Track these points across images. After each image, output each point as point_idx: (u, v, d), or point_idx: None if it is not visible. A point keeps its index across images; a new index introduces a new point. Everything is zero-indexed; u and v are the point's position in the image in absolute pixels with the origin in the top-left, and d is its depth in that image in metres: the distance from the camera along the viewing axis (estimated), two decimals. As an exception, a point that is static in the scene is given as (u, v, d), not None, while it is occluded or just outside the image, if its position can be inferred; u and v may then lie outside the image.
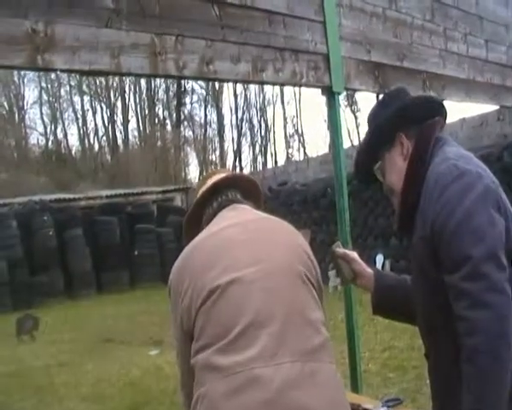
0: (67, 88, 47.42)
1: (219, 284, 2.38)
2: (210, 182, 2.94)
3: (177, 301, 2.48)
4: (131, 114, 48.79)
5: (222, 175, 2.98)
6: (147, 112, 48.69)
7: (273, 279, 2.44)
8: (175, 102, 49.16)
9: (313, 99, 54.75)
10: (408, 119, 2.65)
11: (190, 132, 50.03)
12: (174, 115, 48.91)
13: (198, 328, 2.39)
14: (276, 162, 46.09)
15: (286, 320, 2.36)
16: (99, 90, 48.06)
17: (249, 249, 2.51)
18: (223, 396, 2.24)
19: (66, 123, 48.12)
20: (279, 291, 2.43)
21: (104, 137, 48.77)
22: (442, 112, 2.75)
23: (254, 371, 2.24)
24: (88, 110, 48.59)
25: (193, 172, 54.95)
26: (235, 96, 48.54)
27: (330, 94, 4.73)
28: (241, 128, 48.54)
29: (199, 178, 42.99)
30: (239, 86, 45.37)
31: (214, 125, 49.49)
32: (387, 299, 2.97)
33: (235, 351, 2.28)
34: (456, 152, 2.51)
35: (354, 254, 3.12)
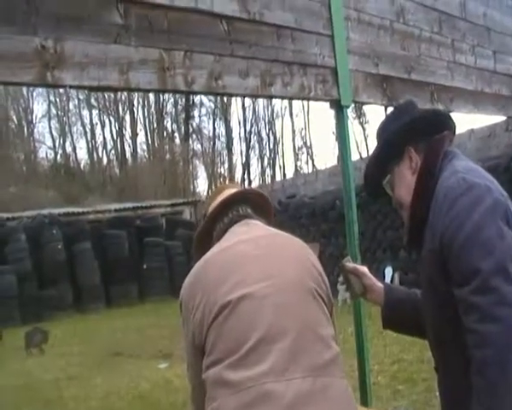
0: (76, 102, 47.76)
1: (231, 299, 2.38)
2: (220, 198, 2.94)
3: (189, 316, 2.49)
4: (140, 127, 49.04)
5: (232, 190, 2.98)
6: (155, 125, 48.87)
7: (284, 295, 2.44)
8: (183, 116, 49.36)
9: (322, 111, 54.82)
10: (417, 132, 2.65)
11: (199, 146, 50.24)
12: (183, 128, 49.10)
13: (209, 343, 2.39)
14: (284, 175, 46.22)
15: (297, 336, 2.36)
16: (107, 103, 48.33)
17: (261, 265, 2.51)
18: None
19: (74, 137, 48.37)
20: (290, 307, 2.43)
21: (113, 151, 49.02)
22: (451, 126, 2.75)
23: (266, 386, 2.24)
24: (96, 124, 48.89)
25: (201, 185, 55.08)
26: (244, 109, 48.82)
27: (338, 107, 4.73)
28: (250, 141, 48.70)
29: (207, 192, 43.22)
30: (247, 99, 45.48)
31: (223, 139, 49.71)
32: (397, 313, 2.97)
33: (246, 366, 2.29)
34: (464, 166, 2.51)
35: (364, 269, 3.12)
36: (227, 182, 47.57)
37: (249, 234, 2.68)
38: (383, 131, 2.80)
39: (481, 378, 2.17)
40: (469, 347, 2.22)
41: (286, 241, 2.74)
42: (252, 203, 2.95)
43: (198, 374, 2.48)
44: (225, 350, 2.34)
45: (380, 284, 3.06)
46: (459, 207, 2.32)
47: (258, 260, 2.53)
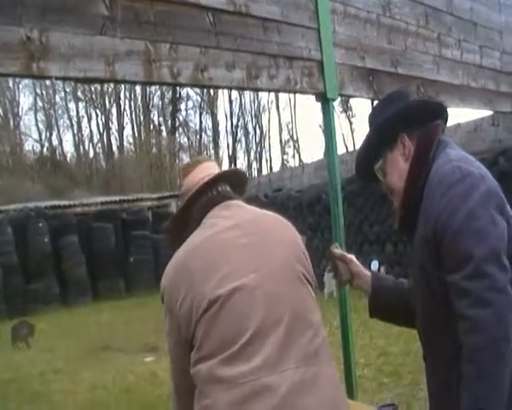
0: (62, 94, 47.55)
1: (220, 294, 2.35)
2: (198, 174, 2.84)
3: (173, 307, 2.44)
4: (126, 120, 48.91)
5: (209, 166, 2.92)
6: (142, 118, 48.76)
7: (274, 284, 2.44)
8: (170, 109, 49.29)
9: (308, 105, 54.80)
10: (410, 120, 2.66)
11: (185, 139, 50.26)
12: (169, 122, 49.02)
13: (198, 338, 2.36)
14: (271, 168, 46.24)
15: (289, 325, 2.38)
16: (94, 96, 48.13)
17: (248, 254, 2.48)
18: (228, 408, 2.24)
19: (61, 129, 48.25)
20: (281, 296, 2.43)
21: (99, 144, 48.87)
22: (444, 115, 2.77)
23: (260, 380, 2.25)
24: (83, 117, 48.71)
25: (188, 178, 54.87)
26: (230, 102, 48.71)
27: (324, 100, 4.74)
28: (236, 134, 48.65)
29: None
30: (234, 93, 45.53)
31: (209, 132, 49.63)
32: (384, 301, 2.97)
33: (240, 361, 2.29)
34: (458, 154, 2.53)
35: (352, 256, 3.13)
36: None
37: (234, 219, 2.62)
38: (375, 117, 2.80)
39: (471, 364, 2.18)
40: (461, 333, 2.23)
41: (271, 222, 2.73)
42: (229, 180, 2.88)
43: (184, 369, 2.45)
44: (217, 345, 2.32)
45: (367, 272, 3.08)
46: (453, 193, 2.33)
47: (245, 249, 2.49)
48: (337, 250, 3.18)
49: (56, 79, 3.37)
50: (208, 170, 2.86)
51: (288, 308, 2.41)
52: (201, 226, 2.63)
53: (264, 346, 2.30)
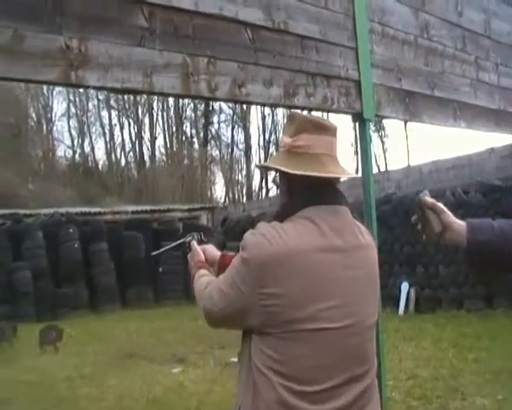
0: (95, 102, 47.91)
1: (311, 328, 2.29)
2: (318, 145, 2.50)
3: (254, 288, 2.30)
4: (159, 130, 49.08)
5: (333, 151, 2.57)
6: (174, 129, 48.94)
7: (361, 338, 2.44)
8: (203, 121, 49.38)
9: (340, 123, 54.59)
10: None
11: (217, 152, 50.26)
12: (201, 134, 49.11)
13: (274, 344, 2.32)
14: (302, 186, 45.93)
15: (366, 388, 2.44)
16: (127, 105, 48.40)
17: (347, 295, 2.37)
18: None
19: (93, 137, 48.55)
20: (364, 352, 2.46)
21: (131, 153, 49.10)
22: None
23: None
24: (115, 125, 49.02)
25: (219, 191, 55.10)
26: (263, 117, 48.66)
27: (361, 120, 4.73)
28: (268, 149, 48.55)
29: (225, 199, 43.09)
30: (267, 108, 45.49)
31: (241, 146, 49.60)
32: (483, 255, 2.64)
33: (317, 402, 2.31)
34: None
35: (442, 206, 2.73)
36: (244, 190, 47.58)
37: (341, 238, 2.42)
38: None
39: None
40: None
41: (369, 259, 2.55)
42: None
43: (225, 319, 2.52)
44: (295, 374, 2.31)
45: (461, 223, 2.70)
46: None
47: (345, 287, 2.37)
48: (428, 198, 2.71)
49: (94, 88, 3.39)
50: (331, 148, 2.56)
51: (366, 366, 2.46)
52: (307, 219, 2.41)
53: (341, 396, 2.34)
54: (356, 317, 2.38)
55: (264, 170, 2.85)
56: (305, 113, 2.75)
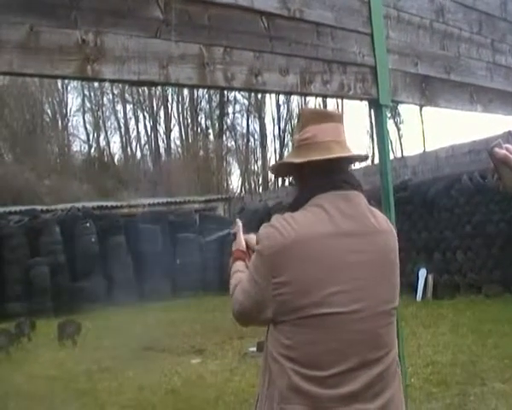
0: (110, 96, 48.08)
1: (323, 312, 2.32)
2: (327, 133, 2.55)
3: (268, 277, 2.36)
4: (174, 122, 49.23)
5: (341, 137, 2.61)
6: (189, 121, 49.03)
7: (374, 322, 2.43)
8: (217, 112, 49.39)
9: (356, 110, 54.46)
10: None
11: (233, 142, 50.26)
12: (217, 125, 49.11)
13: (286, 331, 2.37)
14: (318, 174, 45.86)
15: (382, 370, 2.43)
16: (142, 98, 48.54)
17: (358, 280, 2.39)
18: None
19: (108, 131, 48.78)
20: (378, 337, 2.45)
21: (146, 146, 49.24)
22: None
23: (354, 406, 2.34)
24: (130, 118, 49.25)
25: (235, 182, 55.10)
26: (278, 106, 48.57)
27: (377, 106, 4.72)
28: (284, 139, 48.49)
29: (241, 189, 43.08)
30: (281, 97, 45.40)
31: (257, 136, 49.56)
32: None
33: (329, 386, 2.33)
34: None
35: None
36: (260, 180, 47.54)
37: (355, 223, 2.45)
38: None
39: None
40: None
41: (383, 245, 2.54)
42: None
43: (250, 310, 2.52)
44: (306, 359, 2.35)
45: None
46: None
47: (356, 271, 2.39)
48: (498, 150, 2.54)
49: (110, 81, 3.39)
50: (338, 133, 2.60)
51: (382, 351, 2.46)
52: (318, 206, 2.44)
53: (355, 379, 2.36)
54: (365, 302, 2.39)
55: (276, 172, 2.89)
56: (311, 106, 2.80)
